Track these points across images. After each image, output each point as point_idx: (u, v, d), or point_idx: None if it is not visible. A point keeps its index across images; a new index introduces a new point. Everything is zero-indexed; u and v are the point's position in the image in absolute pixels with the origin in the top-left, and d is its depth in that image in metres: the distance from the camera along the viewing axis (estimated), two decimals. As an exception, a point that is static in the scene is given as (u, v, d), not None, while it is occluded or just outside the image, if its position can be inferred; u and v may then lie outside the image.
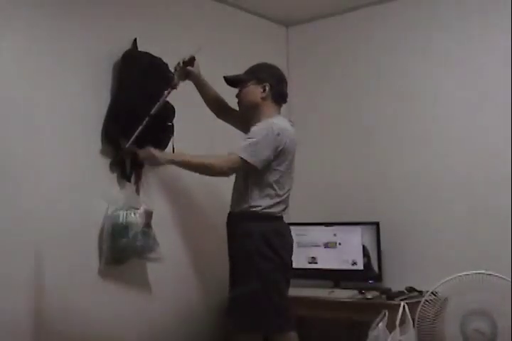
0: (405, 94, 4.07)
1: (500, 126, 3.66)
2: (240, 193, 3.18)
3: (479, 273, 3.20)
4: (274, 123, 3.15)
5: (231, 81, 3.36)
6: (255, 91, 3.26)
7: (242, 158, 3.06)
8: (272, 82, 3.26)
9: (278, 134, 3.10)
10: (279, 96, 3.30)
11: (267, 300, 3.05)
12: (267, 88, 3.24)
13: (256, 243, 3.06)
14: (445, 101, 3.90)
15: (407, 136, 4.03)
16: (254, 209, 3.11)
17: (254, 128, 3.16)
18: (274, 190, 3.12)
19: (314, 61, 4.50)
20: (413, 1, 4.08)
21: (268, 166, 3.11)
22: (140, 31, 3.56)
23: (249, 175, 3.13)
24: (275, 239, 3.09)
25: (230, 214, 3.24)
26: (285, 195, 3.18)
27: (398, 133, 4.07)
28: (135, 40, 3.52)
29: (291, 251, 3.22)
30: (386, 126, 4.12)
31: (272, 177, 3.12)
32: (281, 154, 3.13)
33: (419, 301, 3.40)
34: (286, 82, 3.36)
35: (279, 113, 3.29)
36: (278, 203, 3.14)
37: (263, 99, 3.25)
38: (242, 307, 3.09)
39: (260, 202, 3.10)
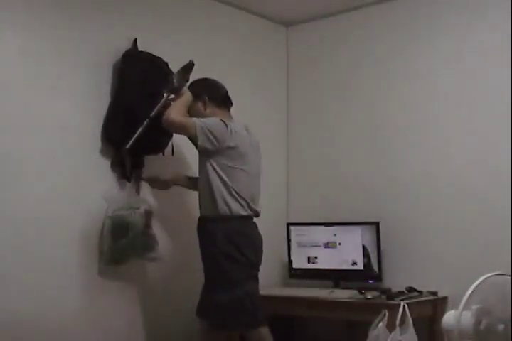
0: (406, 94, 4.06)
1: (500, 126, 3.65)
2: (203, 197, 3.26)
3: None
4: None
5: None
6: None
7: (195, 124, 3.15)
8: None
9: (231, 131, 3.19)
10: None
11: (231, 299, 3.13)
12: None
13: (220, 244, 3.15)
14: (445, 101, 3.89)
15: (407, 137, 4.02)
16: (217, 211, 3.19)
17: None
18: (235, 191, 3.19)
19: (314, 61, 4.49)
20: (413, 1, 4.07)
21: (226, 168, 3.18)
22: (140, 31, 3.57)
23: (210, 178, 3.20)
24: (239, 239, 3.18)
25: (199, 218, 3.31)
26: (247, 196, 3.23)
27: (398, 134, 4.06)
28: (135, 40, 3.52)
29: (259, 249, 3.29)
30: (386, 126, 4.11)
31: (231, 179, 3.18)
32: (234, 152, 3.20)
33: (419, 301, 3.39)
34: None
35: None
36: (240, 203, 3.20)
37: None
38: (209, 307, 3.21)
39: (222, 203, 3.18)
